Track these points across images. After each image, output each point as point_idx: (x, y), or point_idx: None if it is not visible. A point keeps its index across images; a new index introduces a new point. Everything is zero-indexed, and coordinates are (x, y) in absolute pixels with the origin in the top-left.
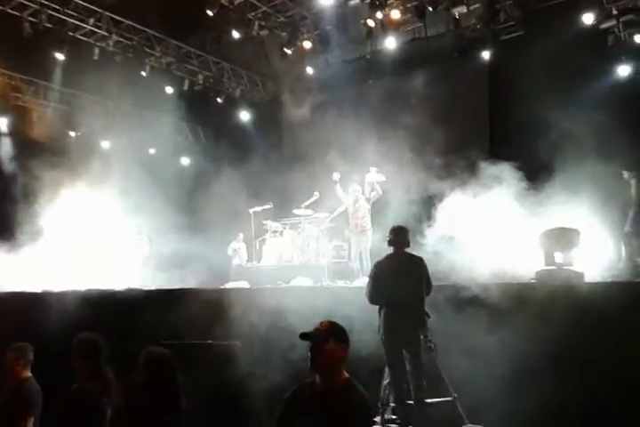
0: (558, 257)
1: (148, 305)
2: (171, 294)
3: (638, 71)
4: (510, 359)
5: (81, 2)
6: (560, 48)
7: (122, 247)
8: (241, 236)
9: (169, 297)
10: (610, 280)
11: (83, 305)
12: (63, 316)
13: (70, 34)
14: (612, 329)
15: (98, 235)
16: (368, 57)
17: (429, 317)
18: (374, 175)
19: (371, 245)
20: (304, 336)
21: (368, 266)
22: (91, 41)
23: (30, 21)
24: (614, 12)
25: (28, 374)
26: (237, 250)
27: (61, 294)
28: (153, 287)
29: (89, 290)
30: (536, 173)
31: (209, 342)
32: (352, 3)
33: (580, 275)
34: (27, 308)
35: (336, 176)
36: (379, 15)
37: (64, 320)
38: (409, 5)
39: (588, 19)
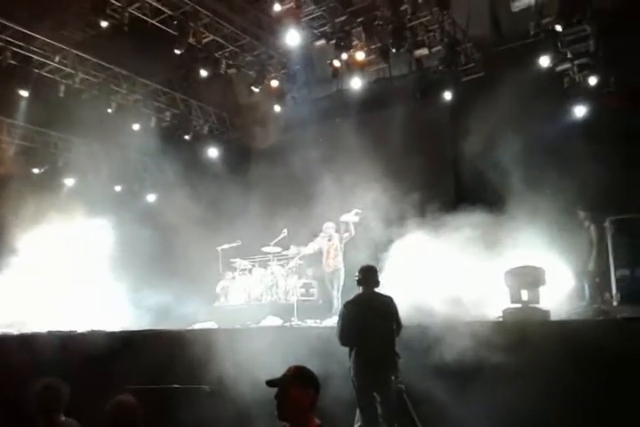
0: (524, 295)
1: (112, 348)
2: (134, 335)
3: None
4: (482, 397)
5: (46, 39)
6: (519, 89)
7: (89, 287)
8: (229, 274)
9: (132, 339)
10: (575, 318)
11: (43, 348)
12: (22, 360)
13: (35, 71)
14: (579, 366)
15: (63, 275)
16: (334, 96)
17: (400, 357)
18: (350, 216)
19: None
20: (270, 383)
21: (339, 305)
22: (56, 78)
23: None
24: (569, 55)
25: None
26: (226, 288)
27: (20, 337)
28: (117, 329)
29: (49, 332)
30: (497, 212)
31: (176, 386)
32: (318, 43)
33: (547, 313)
34: None
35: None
36: (344, 56)
37: (23, 364)
38: (373, 47)
39: (545, 61)
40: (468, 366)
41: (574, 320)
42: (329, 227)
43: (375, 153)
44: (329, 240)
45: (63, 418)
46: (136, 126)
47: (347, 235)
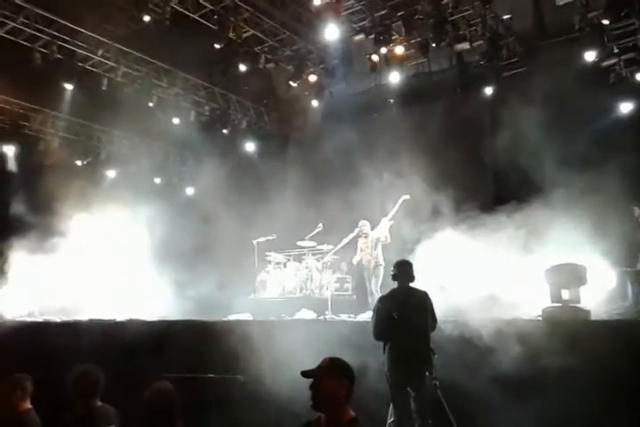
0: (565, 294)
1: (150, 337)
2: (172, 325)
3: None
4: (519, 397)
5: (90, 33)
6: (562, 84)
7: (129, 276)
8: (269, 267)
9: (170, 329)
10: (617, 319)
11: (83, 335)
12: (63, 346)
13: (79, 64)
14: (620, 368)
15: (105, 263)
16: (372, 90)
17: (435, 353)
18: (386, 222)
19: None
20: (305, 374)
21: (374, 301)
22: (99, 71)
23: (41, 52)
24: (615, 50)
25: (28, 405)
26: (264, 282)
27: (63, 324)
28: (155, 318)
29: (90, 320)
30: (537, 208)
31: (211, 375)
32: (357, 38)
33: (587, 312)
34: (27, 337)
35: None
36: (383, 50)
37: (64, 350)
38: (413, 41)
39: (590, 56)
40: (505, 365)
41: (617, 320)
42: (365, 225)
43: (413, 148)
44: (365, 237)
45: (100, 403)
46: (176, 120)
47: (384, 237)
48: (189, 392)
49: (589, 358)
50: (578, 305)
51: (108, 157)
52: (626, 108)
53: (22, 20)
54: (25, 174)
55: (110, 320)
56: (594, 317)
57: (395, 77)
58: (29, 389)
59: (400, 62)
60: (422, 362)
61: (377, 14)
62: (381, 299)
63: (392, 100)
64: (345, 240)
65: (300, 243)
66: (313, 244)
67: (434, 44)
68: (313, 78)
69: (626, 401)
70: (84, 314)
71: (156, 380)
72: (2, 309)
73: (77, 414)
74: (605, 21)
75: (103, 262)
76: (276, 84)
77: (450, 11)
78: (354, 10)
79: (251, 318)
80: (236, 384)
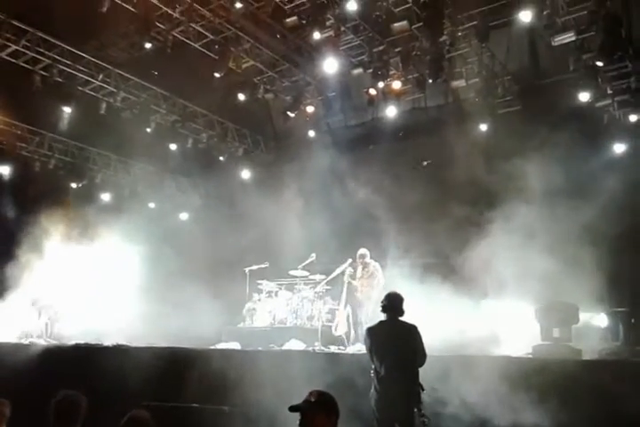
0: (556, 332)
1: (135, 363)
2: (158, 352)
3: None
4: None
5: (92, 58)
6: (556, 123)
7: (117, 301)
8: (256, 296)
9: (156, 356)
10: (608, 359)
11: (66, 359)
12: (45, 371)
13: (79, 88)
14: (610, 408)
15: (94, 287)
16: (369, 123)
17: (423, 389)
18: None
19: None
20: (294, 409)
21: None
22: (99, 96)
23: (41, 75)
24: (609, 91)
25: None
26: (252, 310)
27: (45, 347)
28: (141, 344)
29: (76, 344)
30: (528, 248)
31: (194, 405)
32: (355, 72)
33: (579, 351)
34: (6, 359)
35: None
36: (380, 85)
37: (45, 375)
38: (410, 77)
39: (584, 97)
40: (493, 403)
41: (607, 361)
42: (364, 253)
43: (409, 181)
44: (363, 268)
45: None
46: (173, 146)
47: (376, 282)
48: (171, 422)
49: (580, 398)
50: (569, 344)
51: (104, 180)
52: (619, 148)
53: (24, 42)
54: (19, 195)
55: (96, 345)
56: (585, 356)
57: (391, 111)
58: (7, 414)
59: (397, 97)
60: (410, 398)
61: (375, 49)
62: (368, 330)
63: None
64: (337, 270)
65: (292, 272)
66: (305, 273)
67: (430, 80)
68: (310, 109)
69: None
70: (69, 338)
71: (135, 407)
72: None
73: None
74: (599, 63)
75: (92, 287)
76: (274, 114)
77: (447, 48)
78: (352, 44)
79: (239, 347)
80: (221, 415)
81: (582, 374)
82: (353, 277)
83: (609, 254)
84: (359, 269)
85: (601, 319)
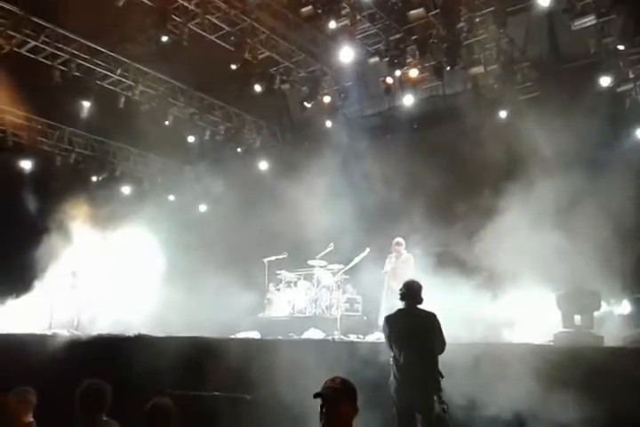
0: (577, 320)
1: (157, 352)
2: (179, 341)
3: None
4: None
5: (110, 53)
6: (577, 109)
7: (139, 292)
8: (276, 286)
9: (177, 345)
10: (630, 346)
11: (91, 349)
12: (70, 360)
13: (97, 82)
14: (635, 396)
15: (116, 279)
16: (386, 113)
17: (442, 377)
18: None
19: None
20: (318, 395)
21: None
22: (117, 90)
23: (60, 70)
24: (631, 75)
25: (30, 419)
26: (272, 300)
27: (69, 338)
28: (163, 334)
29: (99, 334)
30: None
31: (216, 393)
32: (371, 61)
33: (600, 339)
34: (32, 350)
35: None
36: (397, 73)
37: (70, 365)
38: (427, 65)
39: (606, 81)
40: (515, 390)
41: (631, 348)
42: (399, 243)
43: (428, 170)
44: (397, 258)
45: (105, 418)
46: (191, 138)
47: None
48: (193, 409)
49: (603, 386)
50: (591, 331)
51: (123, 173)
52: None
53: (43, 38)
54: (41, 189)
55: (119, 335)
56: (607, 343)
57: (409, 100)
58: (33, 402)
59: (414, 85)
60: (429, 386)
61: (392, 38)
62: (387, 318)
63: (415, 125)
64: (356, 260)
65: (310, 262)
66: (324, 263)
67: (448, 68)
68: (327, 99)
69: None
70: (92, 329)
71: (159, 395)
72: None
73: None
74: (621, 47)
75: (114, 278)
76: (291, 104)
77: (464, 34)
78: (369, 33)
79: (259, 336)
80: (242, 403)
81: (605, 361)
82: (390, 264)
83: (632, 240)
84: (393, 257)
85: (624, 306)
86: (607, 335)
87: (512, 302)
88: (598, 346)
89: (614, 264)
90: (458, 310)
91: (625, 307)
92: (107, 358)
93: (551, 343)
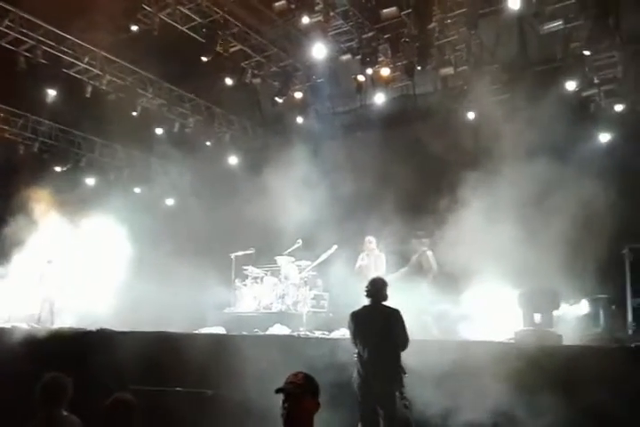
0: (537, 318)
1: (120, 347)
2: (143, 336)
3: None
4: (489, 418)
5: (77, 40)
6: (544, 112)
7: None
8: (242, 282)
9: (140, 340)
10: (589, 345)
11: (51, 344)
12: (29, 354)
13: (64, 70)
14: (588, 394)
15: (78, 271)
16: (357, 110)
17: (405, 373)
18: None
19: None
20: (281, 391)
21: None
22: (84, 79)
23: (25, 56)
24: (596, 80)
25: None
26: (238, 295)
27: (28, 331)
28: (126, 329)
29: (60, 328)
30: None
31: (178, 389)
32: (344, 58)
33: (560, 337)
34: None
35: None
36: (369, 71)
37: (29, 359)
38: (399, 64)
39: (571, 86)
40: (474, 387)
41: (588, 347)
42: (370, 241)
43: (397, 168)
44: (368, 256)
45: (65, 413)
46: (159, 130)
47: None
48: (155, 405)
49: (561, 383)
50: (550, 330)
51: (88, 164)
52: (604, 138)
53: (7, 23)
54: (3, 178)
55: (80, 329)
56: (567, 342)
57: (380, 98)
58: None
59: (386, 84)
60: (391, 381)
61: (364, 36)
62: (351, 315)
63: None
64: (323, 256)
65: (278, 258)
66: (291, 259)
67: (419, 67)
68: (299, 95)
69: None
70: (56, 322)
71: (119, 390)
72: None
73: (40, 424)
74: (587, 52)
75: (79, 271)
76: (262, 99)
77: (436, 35)
78: (342, 30)
79: (223, 331)
80: (204, 399)
81: (564, 359)
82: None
83: (590, 242)
84: (364, 255)
85: (582, 306)
86: (566, 335)
87: (474, 300)
88: (557, 344)
89: (576, 264)
90: (419, 306)
91: (584, 307)
92: (68, 352)
93: (512, 341)
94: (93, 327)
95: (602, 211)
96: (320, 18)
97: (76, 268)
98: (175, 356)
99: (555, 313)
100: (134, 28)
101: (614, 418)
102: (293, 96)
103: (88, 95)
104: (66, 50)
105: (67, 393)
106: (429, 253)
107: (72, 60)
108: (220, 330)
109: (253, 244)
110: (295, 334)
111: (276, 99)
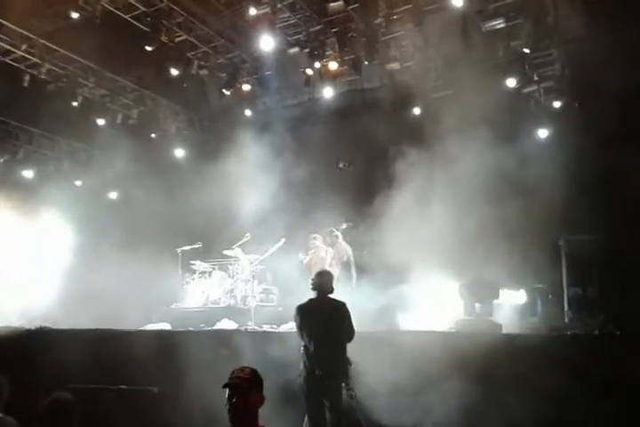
0: (478, 307)
1: (61, 345)
2: (84, 334)
3: None
4: (432, 406)
5: (14, 26)
6: (486, 109)
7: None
8: (189, 277)
9: (82, 338)
10: (527, 333)
11: None
12: None
13: (0, 58)
14: (527, 381)
15: (17, 267)
16: (306, 104)
17: (350, 364)
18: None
19: None
20: (228, 386)
21: None
22: (21, 67)
23: None
24: (536, 78)
25: None
26: (185, 290)
27: None
28: (66, 327)
29: None
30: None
31: (122, 387)
32: (291, 51)
33: (499, 326)
34: None
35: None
36: (317, 65)
37: None
38: (346, 58)
39: (512, 83)
40: (417, 376)
41: (526, 335)
42: (315, 237)
43: (344, 162)
44: (315, 252)
45: (0, 415)
46: (101, 122)
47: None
48: (97, 403)
49: (501, 370)
50: (490, 318)
51: (26, 156)
52: (542, 134)
53: None
54: None
55: (19, 328)
56: (506, 330)
57: (328, 92)
58: None
59: (333, 77)
60: (336, 372)
61: (312, 29)
62: (297, 308)
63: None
64: (271, 250)
65: (226, 252)
66: (239, 253)
67: (366, 62)
68: (246, 88)
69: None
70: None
71: (59, 390)
72: None
73: None
74: (526, 50)
75: (14, 266)
76: (209, 91)
77: (382, 31)
78: (289, 23)
79: (169, 327)
80: (149, 396)
81: (503, 347)
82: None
83: (528, 233)
84: (311, 251)
85: (520, 295)
86: (505, 323)
87: (416, 290)
88: (497, 333)
89: (515, 255)
90: (358, 298)
91: (522, 296)
92: (4, 351)
93: (453, 330)
94: (33, 325)
95: (540, 203)
96: (267, 9)
97: (16, 264)
98: (119, 353)
99: (494, 303)
100: (75, 15)
101: (553, 402)
102: (241, 88)
103: (26, 84)
104: (2, 36)
105: (1, 394)
106: (344, 244)
107: (8, 47)
108: (166, 326)
109: (201, 238)
110: (242, 328)
111: (224, 91)
